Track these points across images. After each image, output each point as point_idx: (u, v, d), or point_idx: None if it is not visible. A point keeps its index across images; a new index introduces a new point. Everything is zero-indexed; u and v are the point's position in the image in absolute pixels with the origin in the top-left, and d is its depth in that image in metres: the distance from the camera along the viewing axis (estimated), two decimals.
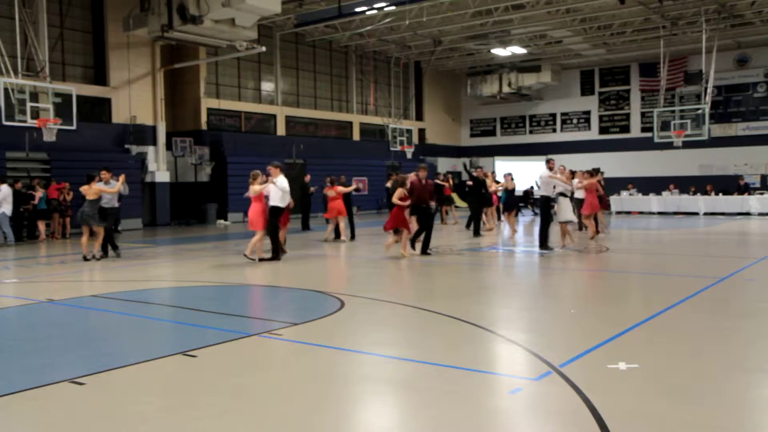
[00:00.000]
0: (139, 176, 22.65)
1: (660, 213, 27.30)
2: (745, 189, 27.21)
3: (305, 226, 19.83)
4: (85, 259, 12.79)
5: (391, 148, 30.18)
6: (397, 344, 6.14)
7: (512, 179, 18.52)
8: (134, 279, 10.64)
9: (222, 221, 24.63)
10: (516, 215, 18.20)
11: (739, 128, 31.04)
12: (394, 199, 12.41)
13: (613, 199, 26.89)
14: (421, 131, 35.71)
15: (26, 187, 17.84)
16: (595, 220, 16.11)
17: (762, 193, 26.62)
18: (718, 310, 7.67)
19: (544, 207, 13.19)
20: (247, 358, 5.76)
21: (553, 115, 36.30)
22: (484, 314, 7.52)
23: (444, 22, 26.56)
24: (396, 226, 12.52)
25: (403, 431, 4.08)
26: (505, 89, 34.76)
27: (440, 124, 37.40)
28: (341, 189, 16.32)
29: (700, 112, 25.12)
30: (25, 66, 18.03)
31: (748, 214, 25.52)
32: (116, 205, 13.62)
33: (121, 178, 13.29)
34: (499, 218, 20.07)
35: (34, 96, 17.12)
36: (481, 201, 17.68)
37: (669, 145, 26.53)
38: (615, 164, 31.22)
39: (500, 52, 31.06)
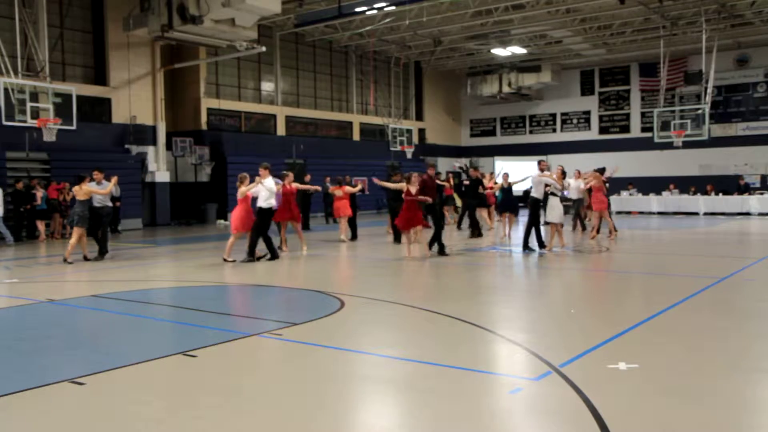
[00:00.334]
0: (139, 176, 22.66)
1: (660, 213, 27.31)
2: (745, 189, 27.21)
3: (305, 226, 19.81)
4: (86, 259, 12.79)
5: (391, 148, 30.19)
6: (397, 344, 6.14)
7: (509, 178, 18.49)
8: (134, 279, 10.64)
9: (222, 221, 24.62)
10: (516, 215, 18.15)
11: (739, 128, 31.04)
12: (405, 194, 12.37)
13: (613, 199, 26.84)
14: (421, 131, 35.72)
15: (26, 187, 17.84)
16: (600, 219, 16.14)
17: (762, 193, 26.63)
18: (718, 310, 7.67)
19: (533, 208, 13.19)
20: (247, 358, 5.76)
21: (553, 115, 36.31)
22: (483, 314, 7.53)
23: (444, 22, 26.55)
24: (411, 225, 12.46)
25: (403, 431, 4.08)
26: (505, 89, 34.75)
27: (440, 124, 37.41)
28: (349, 189, 16.34)
29: (700, 112, 25.11)
30: (25, 66, 18.03)
31: (748, 214, 25.53)
32: (109, 205, 13.53)
33: (113, 179, 13.08)
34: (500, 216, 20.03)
35: (34, 96, 17.12)
36: (477, 201, 17.67)
37: (669, 145, 26.53)
38: (615, 164, 31.12)
39: (500, 52, 31.06)
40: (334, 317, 7.23)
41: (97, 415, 4.30)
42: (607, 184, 16.89)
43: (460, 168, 20.17)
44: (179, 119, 25.49)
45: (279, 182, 13.21)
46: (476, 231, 16.89)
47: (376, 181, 14.01)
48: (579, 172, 18.65)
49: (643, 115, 33.19)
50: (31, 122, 16.87)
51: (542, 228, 13.68)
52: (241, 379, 5.02)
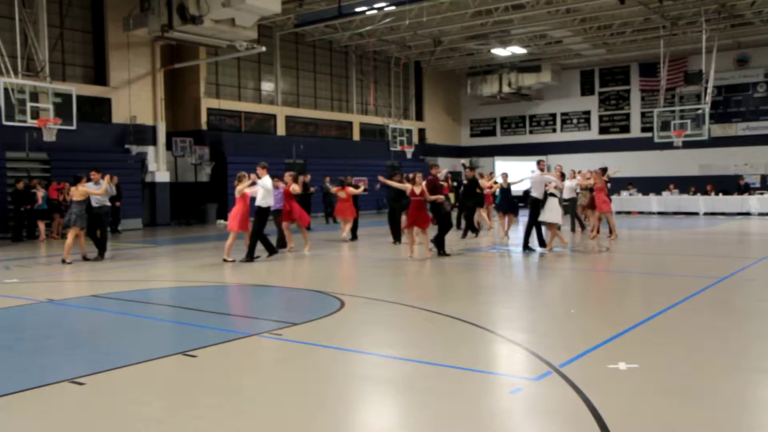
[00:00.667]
0: (139, 176, 22.66)
1: (660, 213, 27.30)
2: (745, 189, 27.21)
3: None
4: (85, 259, 12.78)
5: (391, 148, 30.18)
6: (397, 344, 6.14)
7: (508, 178, 18.47)
8: (134, 279, 10.64)
9: (222, 221, 24.58)
10: (516, 215, 18.13)
11: (739, 128, 31.04)
12: (410, 194, 12.36)
13: (614, 199, 26.79)
14: (421, 131, 35.71)
15: (27, 187, 17.84)
16: (600, 219, 16.13)
17: (762, 193, 26.63)
18: (718, 310, 7.67)
19: (533, 208, 13.18)
20: (247, 358, 5.76)
21: (553, 115, 36.31)
22: (483, 314, 7.53)
23: (444, 22, 26.55)
24: (418, 224, 12.46)
25: (403, 431, 4.08)
26: (505, 89, 34.75)
27: (440, 124, 37.40)
28: (352, 190, 16.31)
29: (700, 112, 25.11)
30: (25, 66, 18.02)
31: (748, 214, 25.53)
32: (107, 204, 13.51)
33: (107, 178, 13.08)
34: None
35: (34, 96, 17.11)
36: (473, 201, 17.64)
37: (669, 145, 26.52)
38: (615, 164, 31.09)
39: (500, 52, 31.05)
40: (334, 317, 7.23)
41: (97, 415, 4.31)
42: (609, 184, 16.87)
43: (463, 165, 20.17)
44: (179, 119, 25.49)
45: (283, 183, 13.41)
46: (470, 232, 16.79)
47: (381, 179, 14.00)
48: (574, 172, 18.61)
49: (643, 115, 33.19)
50: (31, 122, 16.87)
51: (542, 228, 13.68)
52: (241, 379, 5.02)
